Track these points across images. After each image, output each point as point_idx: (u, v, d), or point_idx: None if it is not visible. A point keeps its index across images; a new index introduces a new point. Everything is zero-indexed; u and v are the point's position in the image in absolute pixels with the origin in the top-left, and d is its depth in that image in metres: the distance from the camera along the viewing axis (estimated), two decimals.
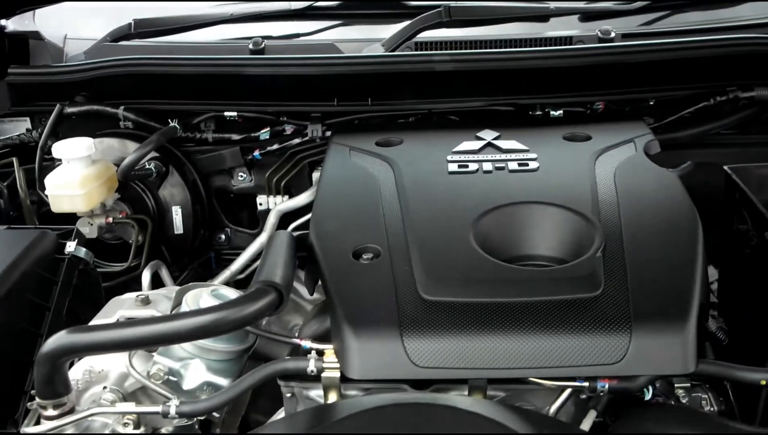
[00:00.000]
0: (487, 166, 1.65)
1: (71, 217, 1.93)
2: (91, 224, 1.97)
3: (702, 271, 1.32)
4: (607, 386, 1.21)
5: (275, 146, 2.09)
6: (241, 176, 2.17)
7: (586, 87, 2.00)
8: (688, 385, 1.36)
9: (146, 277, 1.90)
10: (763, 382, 1.20)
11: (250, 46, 2.06)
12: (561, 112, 2.00)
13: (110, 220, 2.00)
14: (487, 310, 1.24)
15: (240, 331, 1.41)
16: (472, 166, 1.66)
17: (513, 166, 1.65)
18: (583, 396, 1.29)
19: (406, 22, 2.07)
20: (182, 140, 2.12)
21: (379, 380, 1.25)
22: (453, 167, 1.66)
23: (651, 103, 2.03)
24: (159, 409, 1.26)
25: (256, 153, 2.11)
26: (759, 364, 1.45)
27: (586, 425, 1.25)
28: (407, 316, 1.24)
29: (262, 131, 2.09)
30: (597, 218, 1.43)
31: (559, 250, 1.42)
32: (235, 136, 2.11)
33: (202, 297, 1.41)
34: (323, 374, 1.26)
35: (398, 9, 2.14)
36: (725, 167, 1.67)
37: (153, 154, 2.03)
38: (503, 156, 1.70)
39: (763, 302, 1.51)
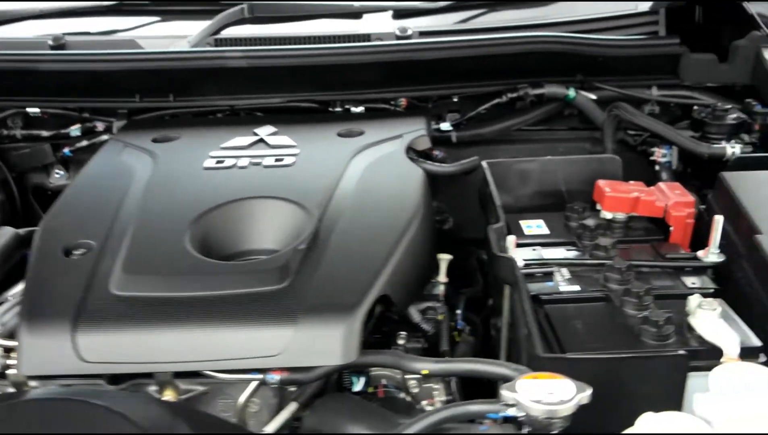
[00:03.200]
0: (244, 162, 1.64)
1: None
2: None
3: (399, 266, 1.31)
4: (278, 378, 1.21)
5: (84, 143, 2.07)
6: (58, 174, 2.15)
7: (386, 84, 1.99)
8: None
9: None
10: (425, 372, 1.20)
11: (50, 42, 2.04)
12: (362, 108, 2.00)
13: None
14: (168, 305, 1.24)
15: None
16: (229, 162, 1.65)
17: (269, 161, 1.64)
18: (293, 388, 1.28)
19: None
20: None
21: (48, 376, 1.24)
22: (210, 163, 1.65)
23: (455, 99, 2.04)
24: None
25: (66, 150, 2.09)
26: None
27: (283, 416, 1.24)
28: (89, 312, 1.23)
29: (72, 128, 2.07)
30: (321, 212, 1.43)
31: (278, 244, 1.41)
32: (45, 133, 2.09)
33: None
34: (8, 371, 1.25)
35: (207, 6, 2.12)
36: (483, 163, 1.67)
37: None
38: (267, 151, 1.69)
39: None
